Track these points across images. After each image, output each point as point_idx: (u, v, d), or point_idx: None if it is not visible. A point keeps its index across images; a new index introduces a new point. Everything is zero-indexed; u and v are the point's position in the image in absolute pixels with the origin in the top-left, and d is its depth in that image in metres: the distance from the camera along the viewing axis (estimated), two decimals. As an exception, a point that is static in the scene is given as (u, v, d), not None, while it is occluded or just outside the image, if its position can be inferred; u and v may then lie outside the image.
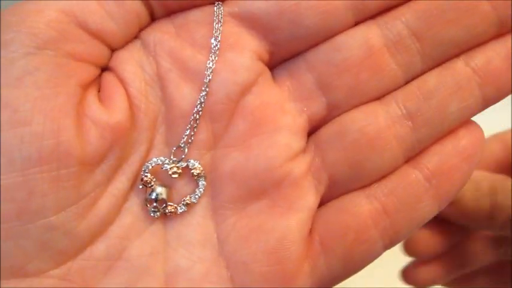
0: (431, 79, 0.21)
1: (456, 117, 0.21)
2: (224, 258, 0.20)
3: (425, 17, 0.20)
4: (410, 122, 0.21)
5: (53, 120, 0.18)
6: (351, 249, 0.21)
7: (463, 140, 0.21)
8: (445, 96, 0.21)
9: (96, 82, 0.20)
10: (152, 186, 0.20)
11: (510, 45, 0.21)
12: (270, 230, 0.20)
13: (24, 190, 0.18)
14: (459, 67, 0.21)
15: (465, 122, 0.22)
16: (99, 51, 0.19)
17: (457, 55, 0.21)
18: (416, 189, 0.21)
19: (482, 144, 0.22)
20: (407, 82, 0.21)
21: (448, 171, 0.21)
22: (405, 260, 0.40)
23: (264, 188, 0.20)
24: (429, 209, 0.21)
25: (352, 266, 0.21)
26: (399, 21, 0.20)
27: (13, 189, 0.18)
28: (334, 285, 0.22)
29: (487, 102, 0.21)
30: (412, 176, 0.21)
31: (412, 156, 0.21)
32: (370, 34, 0.20)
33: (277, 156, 0.20)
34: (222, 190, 0.21)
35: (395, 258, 0.44)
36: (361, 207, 0.21)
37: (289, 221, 0.20)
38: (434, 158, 0.21)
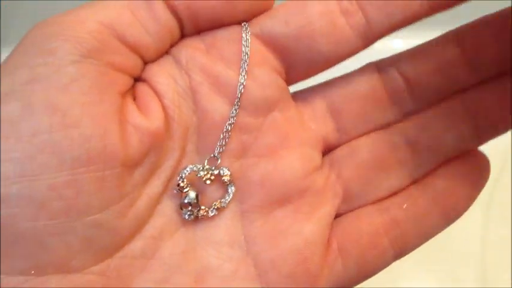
0: (429, 113, 0.23)
1: (452, 147, 0.23)
2: (252, 258, 0.22)
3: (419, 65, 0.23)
4: (410, 149, 0.23)
5: (100, 124, 0.19)
6: (364, 253, 0.22)
7: (468, 165, 0.23)
8: (440, 128, 0.23)
9: (131, 92, 0.21)
10: (187, 191, 0.21)
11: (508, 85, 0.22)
12: (297, 233, 0.22)
13: (72, 188, 0.19)
14: (453, 104, 0.23)
15: (472, 150, 0.24)
16: (134, 62, 0.21)
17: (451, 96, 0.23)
18: (424, 207, 0.23)
19: (488, 171, 0.24)
20: (406, 115, 0.24)
21: (454, 193, 0.23)
22: (405, 259, 0.40)
23: (290, 196, 0.22)
24: (437, 224, 0.23)
25: (365, 270, 0.23)
26: (396, 71, 0.23)
27: (62, 188, 0.18)
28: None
29: (482, 137, 0.23)
30: (420, 195, 0.23)
31: (419, 177, 0.23)
32: (373, 79, 0.23)
33: (303, 168, 0.22)
34: (251, 195, 0.22)
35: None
36: (373, 217, 0.23)
37: (313, 226, 0.22)
38: (441, 181, 0.23)
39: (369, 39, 0.22)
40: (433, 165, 0.23)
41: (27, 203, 0.18)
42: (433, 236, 0.23)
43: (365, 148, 0.23)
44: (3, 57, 0.20)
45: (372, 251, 0.23)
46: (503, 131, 0.23)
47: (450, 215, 0.23)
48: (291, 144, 0.22)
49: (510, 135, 0.44)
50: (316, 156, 0.23)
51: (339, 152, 0.24)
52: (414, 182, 0.24)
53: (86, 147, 0.19)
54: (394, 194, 0.23)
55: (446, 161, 0.23)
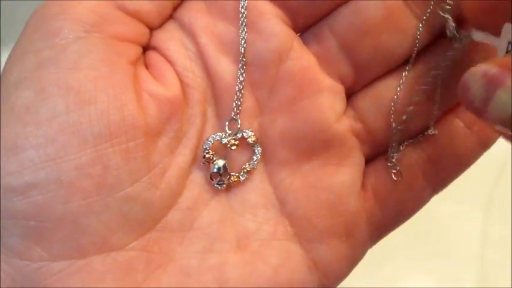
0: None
1: None
2: (287, 217, 0.22)
3: None
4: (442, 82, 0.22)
5: (116, 96, 0.19)
6: (402, 198, 0.22)
7: None
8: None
9: (142, 61, 0.21)
10: (214, 161, 0.21)
11: None
12: (327, 186, 0.21)
13: (99, 165, 0.19)
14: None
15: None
16: (139, 30, 0.21)
17: None
18: (458, 136, 0.22)
19: None
20: (436, 38, 0.22)
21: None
22: (405, 260, 0.40)
23: (314, 149, 0.22)
24: (474, 153, 0.23)
25: (405, 213, 0.23)
26: None
27: (89, 166, 0.18)
28: (390, 232, 0.23)
29: None
30: (453, 124, 0.22)
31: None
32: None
33: (323, 118, 0.21)
34: (274, 154, 0.22)
35: (396, 259, 0.44)
36: (409, 158, 0.22)
37: (344, 177, 0.22)
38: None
39: None
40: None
41: (58, 186, 0.18)
42: (471, 164, 0.23)
43: (391, 93, 0.22)
44: (4, 57, 0.20)
45: (408, 193, 0.22)
46: None
47: (486, 142, 0.23)
48: (307, 94, 0.21)
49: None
50: (339, 103, 0.22)
51: (363, 99, 0.22)
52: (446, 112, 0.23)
53: (105, 122, 0.19)
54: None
55: None
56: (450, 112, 0.23)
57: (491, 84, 0.17)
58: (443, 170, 0.23)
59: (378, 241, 0.23)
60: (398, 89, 0.22)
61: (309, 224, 0.21)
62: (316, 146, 0.21)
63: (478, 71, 0.17)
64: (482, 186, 0.47)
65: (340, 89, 0.22)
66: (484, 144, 0.23)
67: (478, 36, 0.21)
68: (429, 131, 0.23)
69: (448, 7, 0.21)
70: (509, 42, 0.20)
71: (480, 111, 0.17)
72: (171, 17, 0.22)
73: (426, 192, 0.23)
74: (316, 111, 0.21)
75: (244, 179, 0.22)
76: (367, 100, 0.22)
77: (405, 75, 0.22)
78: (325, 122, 0.21)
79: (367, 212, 0.22)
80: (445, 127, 0.23)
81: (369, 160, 0.23)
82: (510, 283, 0.42)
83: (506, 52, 0.20)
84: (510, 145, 0.28)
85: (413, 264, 0.45)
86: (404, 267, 0.44)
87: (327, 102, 0.21)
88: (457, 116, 0.23)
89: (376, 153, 0.23)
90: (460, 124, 0.23)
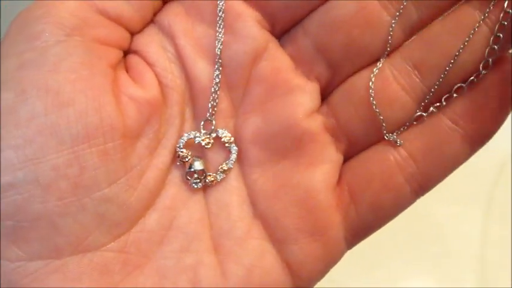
0: (434, 27, 0.22)
1: (467, 59, 0.21)
2: (259, 217, 0.22)
3: None
4: (416, 72, 0.22)
5: (94, 98, 0.19)
6: (378, 196, 0.22)
7: (488, 78, 0.21)
8: (450, 41, 0.21)
9: (122, 64, 0.21)
10: (189, 160, 0.21)
11: None
12: (296, 184, 0.21)
13: (76, 166, 0.19)
14: (465, 11, 0.21)
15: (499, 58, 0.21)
16: (120, 34, 0.21)
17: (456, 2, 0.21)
18: (442, 133, 0.22)
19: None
20: (408, 36, 0.22)
21: (477, 112, 0.21)
22: (405, 260, 0.40)
23: (286, 148, 0.22)
24: (459, 151, 0.22)
25: (382, 214, 0.22)
26: None
27: (66, 167, 0.19)
28: (369, 234, 0.23)
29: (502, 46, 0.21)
30: (437, 119, 0.22)
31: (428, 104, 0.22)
32: None
33: (292, 115, 0.22)
34: (247, 154, 0.22)
35: (396, 259, 0.44)
36: (386, 155, 0.22)
37: (313, 174, 0.22)
38: (460, 101, 0.22)
39: None
40: (448, 87, 0.22)
41: (35, 186, 0.18)
42: (457, 166, 0.22)
43: (362, 82, 0.22)
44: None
45: (386, 192, 0.22)
46: None
47: (474, 139, 0.21)
48: (278, 94, 0.22)
49: (510, 135, 0.43)
50: (309, 100, 0.22)
51: (336, 93, 0.22)
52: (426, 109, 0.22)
53: (83, 123, 0.19)
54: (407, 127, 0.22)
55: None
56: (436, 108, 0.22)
57: None
58: (425, 169, 0.22)
59: (355, 243, 0.23)
60: (372, 77, 0.22)
61: (278, 224, 0.21)
62: (287, 144, 0.22)
63: None
64: (482, 186, 0.47)
65: (312, 87, 0.22)
66: (473, 142, 0.22)
67: None
68: (393, 137, 0.22)
69: None
70: None
71: None
72: (151, 21, 0.22)
73: (405, 192, 0.22)
74: (286, 109, 0.22)
75: (221, 179, 0.22)
76: (339, 95, 0.22)
77: (379, 66, 0.22)
78: (293, 119, 0.21)
79: (342, 210, 0.22)
80: (428, 123, 0.22)
81: (352, 155, 0.23)
82: (510, 283, 0.42)
83: None
84: (510, 145, 0.28)
85: (413, 264, 0.45)
86: (404, 267, 0.44)
87: (297, 101, 0.22)
88: (442, 111, 0.22)
89: (354, 149, 0.22)
90: (444, 120, 0.22)
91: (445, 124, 0.22)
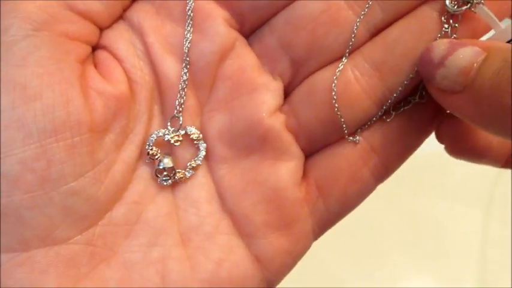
0: (395, 28, 0.22)
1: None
2: (227, 212, 0.22)
3: None
4: (378, 73, 0.22)
5: (61, 93, 0.19)
6: (345, 189, 0.22)
7: None
8: (410, 42, 0.21)
9: (90, 59, 0.22)
10: (158, 157, 0.22)
11: None
12: (264, 181, 0.22)
13: (43, 159, 0.19)
14: (425, 12, 0.21)
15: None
16: (89, 30, 0.21)
17: (419, 4, 0.21)
18: (404, 129, 0.22)
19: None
20: (372, 36, 0.22)
21: (429, 105, 0.22)
22: (405, 260, 0.40)
23: (251, 145, 0.22)
24: (417, 142, 0.23)
25: (349, 205, 0.23)
26: None
27: (33, 160, 0.19)
28: (333, 225, 0.23)
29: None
30: (393, 118, 0.22)
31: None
32: None
33: (256, 113, 0.22)
34: (213, 151, 0.22)
35: (396, 259, 0.44)
36: (350, 150, 0.22)
37: (279, 170, 0.22)
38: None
39: None
40: (407, 88, 0.22)
41: (1, 180, 0.19)
42: (414, 150, 0.23)
43: (323, 84, 0.22)
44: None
45: (352, 185, 0.22)
46: None
47: (427, 128, 0.23)
48: (242, 92, 0.22)
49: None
50: (272, 99, 0.22)
51: (297, 92, 0.23)
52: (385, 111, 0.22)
53: (50, 117, 0.19)
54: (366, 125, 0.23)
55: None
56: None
57: (456, 44, 0.20)
58: (386, 161, 0.23)
59: (322, 234, 0.23)
60: (335, 78, 0.22)
61: (246, 219, 0.22)
62: (252, 142, 0.22)
63: (445, 40, 0.20)
64: (482, 186, 0.47)
65: (276, 86, 0.22)
66: (427, 131, 0.23)
67: (482, 11, 0.21)
68: (355, 139, 0.22)
69: None
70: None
71: (436, 67, 0.20)
72: (120, 17, 0.22)
73: (370, 183, 0.23)
74: (249, 108, 0.22)
75: (190, 175, 0.22)
76: (300, 95, 0.23)
77: (341, 66, 0.22)
78: (257, 117, 0.22)
79: (309, 204, 0.22)
80: (383, 120, 0.22)
81: (312, 153, 0.23)
82: (510, 283, 0.42)
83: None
84: (510, 144, 0.28)
85: (413, 264, 0.45)
86: (404, 267, 0.44)
87: (260, 99, 0.22)
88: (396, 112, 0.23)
89: (313, 147, 0.23)
90: (404, 115, 0.22)
91: (401, 119, 0.22)
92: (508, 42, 0.21)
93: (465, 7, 0.21)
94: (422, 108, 0.22)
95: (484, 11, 0.21)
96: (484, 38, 0.22)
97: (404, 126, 0.22)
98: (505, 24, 0.21)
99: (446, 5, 0.21)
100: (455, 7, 0.21)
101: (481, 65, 0.19)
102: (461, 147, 0.23)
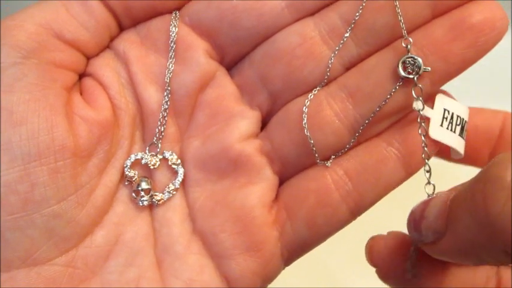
0: (371, 60, 0.22)
1: (400, 90, 0.22)
2: (198, 234, 0.22)
3: (357, 6, 0.22)
4: (351, 99, 0.22)
5: (46, 118, 0.20)
6: (313, 212, 0.22)
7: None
8: (384, 71, 0.22)
9: (77, 87, 0.22)
10: (136, 179, 0.23)
11: (452, 18, 0.21)
12: (232, 201, 0.22)
13: (26, 182, 0.20)
14: (398, 45, 0.22)
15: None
16: (76, 58, 0.22)
17: (394, 39, 0.22)
18: (379, 154, 0.22)
19: None
20: (348, 70, 0.23)
21: (413, 135, 0.22)
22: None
23: (222, 168, 0.23)
24: (395, 172, 0.22)
25: (317, 231, 0.23)
26: (333, 12, 0.22)
27: (16, 183, 0.20)
28: (305, 252, 0.23)
29: (438, 77, 0.22)
30: (373, 142, 0.23)
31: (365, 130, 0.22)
32: (304, 26, 0.22)
33: (228, 138, 0.23)
34: (188, 175, 0.23)
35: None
36: (322, 173, 0.23)
37: (249, 192, 0.22)
38: (399, 125, 0.23)
39: (299, 11, 0.22)
40: (379, 115, 0.22)
41: None
42: (393, 186, 0.23)
43: (296, 107, 0.23)
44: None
45: (321, 209, 0.22)
46: (457, 65, 0.22)
47: (410, 164, 0.22)
48: (218, 120, 0.23)
49: (510, 135, 0.43)
50: (246, 125, 0.23)
51: (274, 119, 0.23)
52: (359, 142, 0.23)
53: (35, 142, 0.20)
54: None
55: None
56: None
57: (430, 199, 0.21)
58: (361, 188, 0.22)
59: (292, 260, 0.23)
60: (306, 101, 0.22)
61: (215, 239, 0.22)
62: (223, 165, 0.23)
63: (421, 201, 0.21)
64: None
65: (252, 114, 0.23)
66: (408, 167, 0.22)
67: (419, 105, 0.22)
68: (326, 163, 0.23)
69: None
70: (445, 110, 0.22)
71: (419, 222, 0.20)
72: (107, 46, 0.23)
73: (341, 210, 0.22)
74: (223, 133, 0.23)
75: (168, 198, 0.23)
76: (275, 119, 0.23)
77: (315, 92, 0.23)
78: (228, 142, 0.22)
79: (279, 227, 0.23)
80: (365, 145, 0.23)
81: (287, 178, 0.23)
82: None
83: (443, 119, 0.22)
84: (510, 145, 0.28)
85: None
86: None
87: (234, 125, 0.23)
88: (379, 136, 0.23)
89: (288, 171, 0.23)
90: (380, 142, 0.22)
91: (381, 145, 0.22)
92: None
93: (412, 76, 0.21)
94: (406, 137, 0.22)
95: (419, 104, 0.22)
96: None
97: (380, 153, 0.22)
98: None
99: (398, 71, 0.21)
100: (406, 73, 0.21)
101: (451, 200, 0.19)
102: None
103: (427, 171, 0.22)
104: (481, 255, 0.19)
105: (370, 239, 0.24)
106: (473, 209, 0.18)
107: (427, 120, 0.22)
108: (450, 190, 0.20)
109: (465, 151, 0.26)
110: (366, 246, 0.24)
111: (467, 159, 0.27)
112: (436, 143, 0.22)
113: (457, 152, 0.23)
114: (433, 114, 0.22)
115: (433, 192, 0.22)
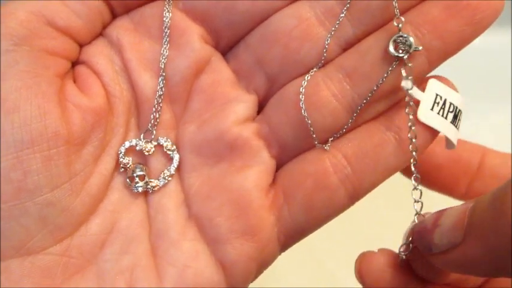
0: (368, 40, 0.22)
1: (397, 70, 0.22)
2: (194, 219, 0.22)
3: None
4: (348, 80, 0.22)
5: (39, 106, 0.20)
6: (310, 196, 0.22)
7: None
8: (380, 51, 0.22)
9: (70, 74, 0.22)
10: (130, 166, 0.22)
11: None
12: (229, 185, 0.22)
13: (19, 170, 0.20)
14: (393, 26, 0.22)
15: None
16: (68, 46, 0.22)
17: (391, 19, 0.22)
18: (378, 138, 0.22)
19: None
20: (344, 50, 0.22)
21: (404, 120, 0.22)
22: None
23: (219, 152, 0.22)
24: (394, 157, 0.22)
25: (315, 214, 0.22)
26: None
27: (9, 171, 0.19)
28: (302, 237, 0.23)
29: (435, 56, 0.22)
30: (374, 126, 0.22)
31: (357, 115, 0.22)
32: (299, 8, 0.22)
33: (224, 122, 0.22)
34: (184, 161, 0.23)
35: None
36: (320, 156, 0.22)
37: (245, 175, 0.22)
38: (398, 108, 0.22)
39: None
40: (376, 94, 0.22)
41: None
42: (391, 171, 0.22)
43: (293, 88, 0.22)
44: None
45: (318, 192, 0.22)
46: (454, 43, 0.22)
47: (407, 150, 0.22)
48: (215, 105, 0.23)
49: (510, 135, 0.44)
50: (243, 109, 0.23)
51: (271, 101, 0.23)
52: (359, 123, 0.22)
53: (28, 129, 0.20)
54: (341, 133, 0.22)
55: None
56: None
57: (444, 209, 0.20)
58: (359, 171, 0.22)
59: (289, 245, 0.23)
60: (303, 82, 0.22)
61: (211, 223, 0.22)
62: (220, 149, 0.22)
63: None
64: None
65: (249, 98, 0.23)
66: (407, 152, 0.22)
67: (408, 84, 0.21)
68: (324, 146, 0.22)
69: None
70: (437, 94, 0.22)
71: (431, 230, 0.20)
72: (100, 34, 0.23)
73: (339, 194, 0.22)
74: (219, 117, 0.22)
75: (163, 184, 0.22)
76: (272, 102, 0.23)
77: (312, 73, 0.22)
78: (225, 126, 0.22)
79: (276, 211, 0.22)
80: (363, 126, 0.22)
81: (285, 162, 0.23)
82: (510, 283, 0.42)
83: (434, 103, 0.22)
84: (510, 144, 0.28)
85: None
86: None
87: (231, 110, 0.22)
88: (378, 119, 0.22)
89: (286, 154, 0.23)
90: (379, 126, 0.22)
91: (379, 128, 0.22)
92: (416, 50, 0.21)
93: (402, 54, 0.21)
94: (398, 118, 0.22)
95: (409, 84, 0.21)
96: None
97: (379, 137, 0.22)
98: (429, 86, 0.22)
99: (389, 50, 0.21)
100: (398, 52, 0.21)
101: (472, 207, 0.19)
102: None
103: (414, 163, 0.22)
104: (500, 265, 0.18)
105: (360, 256, 0.23)
106: (497, 218, 0.18)
107: (417, 102, 0.22)
108: (467, 202, 0.20)
109: (444, 179, 0.26)
110: (356, 264, 0.23)
111: (444, 188, 0.28)
112: (427, 128, 0.22)
113: (449, 142, 0.22)
114: (423, 96, 0.22)
115: (420, 196, 0.22)
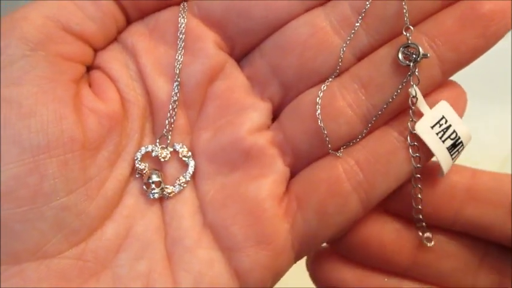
0: (383, 50, 0.22)
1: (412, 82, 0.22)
2: (208, 227, 0.22)
3: None
4: (363, 90, 0.22)
5: (55, 110, 0.20)
6: (324, 202, 0.22)
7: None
8: (394, 61, 0.22)
9: (85, 79, 0.22)
10: (146, 172, 0.22)
11: (462, 8, 0.21)
12: (243, 194, 0.22)
13: (36, 174, 0.20)
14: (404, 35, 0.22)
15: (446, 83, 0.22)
16: (83, 51, 0.22)
17: (405, 29, 0.22)
18: (390, 144, 0.22)
19: (464, 104, 0.22)
20: (359, 59, 0.22)
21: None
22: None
23: (233, 160, 0.22)
24: (406, 164, 0.22)
25: (328, 221, 0.22)
26: (343, 2, 0.22)
27: (26, 175, 0.19)
28: (316, 245, 0.23)
29: (448, 67, 0.22)
30: (386, 133, 0.22)
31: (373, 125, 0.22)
32: (314, 16, 0.22)
33: (239, 130, 0.22)
34: (199, 168, 0.23)
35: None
36: (334, 163, 0.22)
37: (260, 184, 0.22)
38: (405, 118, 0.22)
39: (310, 1, 0.22)
40: (391, 105, 0.22)
41: None
42: (403, 178, 0.22)
43: (309, 97, 0.22)
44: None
45: (332, 198, 0.22)
46: (467, 54, 0.22)
47: (420, 159, 0.22)
48: (229, 112, 0.23)
49: (510, 135, 0.43)
50: (258, 117, 0.23)
51: (286, 109, 0.23)
52: (371, 129, 0.22)
53: (44, 134, 0.20)
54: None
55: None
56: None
57: None
58: (371, 178, 0.22)
59: (304, 253, 0.23)
60: (319, 92, 0.22)
61: (227, 232, 0.22)
62: (234, 158, 0.22)
63: None
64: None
65: (263, 106, 0.23)
66: (418, 157, 0.22)
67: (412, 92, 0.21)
68: (337, 153, 0.22)
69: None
70: (443, 116, 0.22)
71: None
72: (115, 39, 0.23)
73: (352, 200, 0.22)
74: (234, 125, 0.22)
75: (178, 191, 0.23)
76: (288, 110, 0.23)
77: (327, 83, 0.22)
78: (240, 134, 0.22)
79: (290, 219, 0.22)
80: (375, 133, 0.22)
81: (299, 170, 0.23)
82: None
83: (437, 123, 0.22)
84: (510, 144, 0.28)
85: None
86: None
87: (246, 117, 0.22)
88: (390, 125, 0.22)
89: (300, 162, 0.23)
90: (391, 131, 0.22)
91: (392, 135, 0.22)
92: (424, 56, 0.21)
93: (411, 63, 0.21)
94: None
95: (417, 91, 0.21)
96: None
97: (392, 144, 0.22)
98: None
99: (398, 58, 0.21)
100: (407, 62, 0.21)
101: None
102: None
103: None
104: None
105: (312, 255, 0.24)
106: None
107: (420, 115, 0.22)
108: None
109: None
110: (307, 265, 0.24)
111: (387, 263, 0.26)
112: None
113: (440, 169, 0.22)
114: (428, 111, 0.22)
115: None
